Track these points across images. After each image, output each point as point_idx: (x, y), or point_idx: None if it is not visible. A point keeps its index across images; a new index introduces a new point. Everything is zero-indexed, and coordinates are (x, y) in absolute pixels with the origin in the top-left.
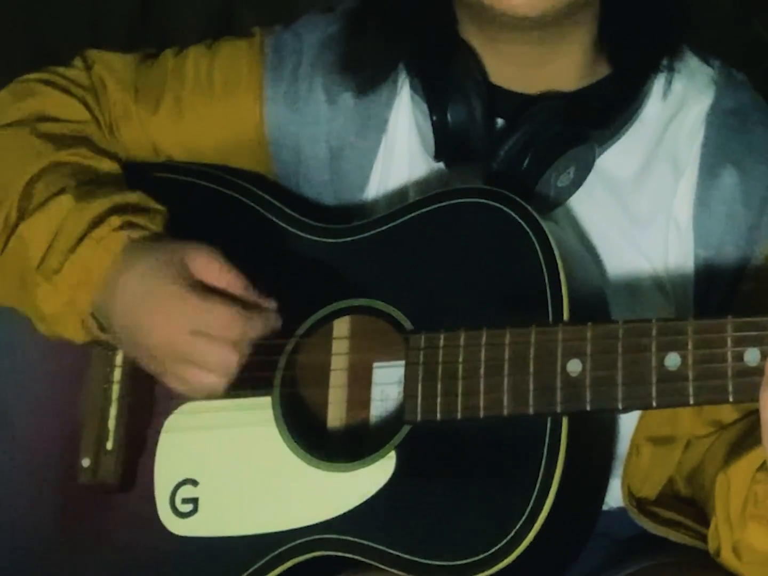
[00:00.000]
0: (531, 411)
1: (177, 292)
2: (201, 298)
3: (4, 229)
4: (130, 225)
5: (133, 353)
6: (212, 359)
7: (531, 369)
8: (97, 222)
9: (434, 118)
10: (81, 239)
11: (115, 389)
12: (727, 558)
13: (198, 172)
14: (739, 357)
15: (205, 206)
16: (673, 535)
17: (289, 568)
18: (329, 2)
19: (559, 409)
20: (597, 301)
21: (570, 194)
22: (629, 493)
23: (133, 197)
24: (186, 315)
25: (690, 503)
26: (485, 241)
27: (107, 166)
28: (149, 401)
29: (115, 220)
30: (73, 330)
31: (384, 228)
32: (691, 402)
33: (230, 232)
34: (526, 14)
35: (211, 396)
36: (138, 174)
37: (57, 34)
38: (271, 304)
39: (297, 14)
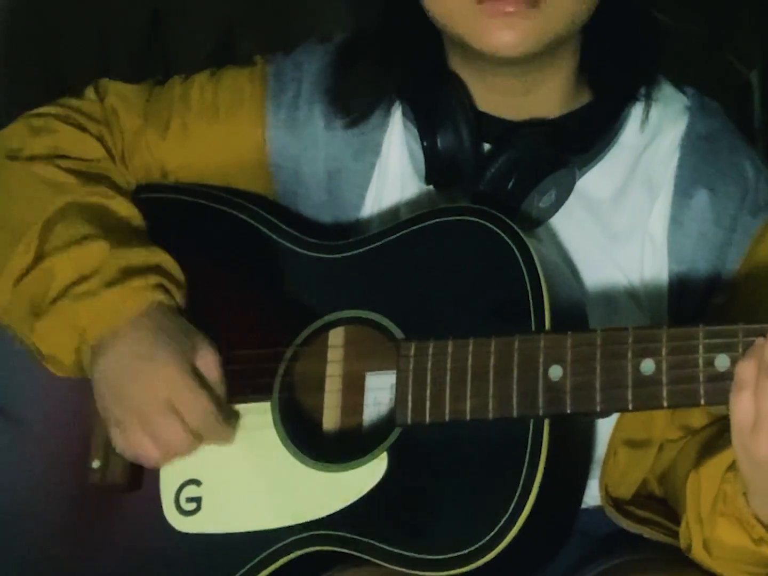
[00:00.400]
0: (515, 414)
1: (178, 368)
2: (197, 384)
3: (20, 263)
4: (164, 289)
5: (103, 396)
6: (169, 437)
7: (515, 375)
8: (133, 273)
9: (425, 143)
10: (114, 284)
11: None
12: (698, 553)
13: (203, 193)
14: (710, 363)
15: (209, 225)
16: (647, 533)
17: (287, 563)
18: (324, 31)
19: (541, 413)
20: (576, 311)
21: (552, 214)
22: (606, 493)
23: (165, 260)
24: (177, 390)
25: (663, 502)
26: (472, 256)
27: (125, 209)
28: None
29: (153, 279)
30: (66, 354)
31: (377, 244)
32: (665, 405)
33: (233, 248)
34: (509, 55)
35: (137, 461)
36: (147, 194)
37: (67, 60)
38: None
39: (293, 43)
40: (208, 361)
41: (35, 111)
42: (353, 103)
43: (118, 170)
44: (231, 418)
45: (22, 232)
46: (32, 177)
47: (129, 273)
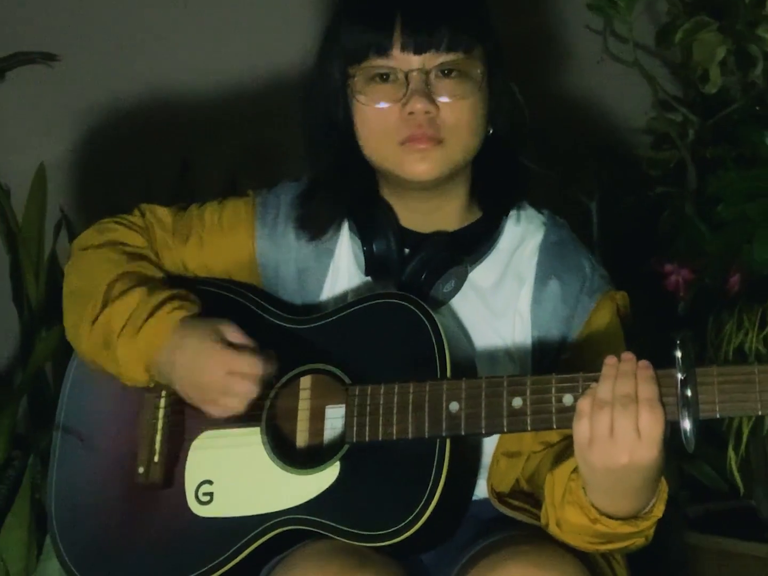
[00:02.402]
0: (426, 435)
1: (218, 348)
2: (233, 350)
3: (93, 311)
4: (181, 308)
5: (186, 388)
6: (240, 390)
7: (426, 408)
8: (160, 306)
9: (365, 248)
10: (150, 316)
11: (160, 422)
12: (553, 529)
13: (214, 283)
14: (559, 400)
15: (217, 305)
16: (519, 516)
17: (272, 537)
18: (297, 174)
19: (444, 434)
20: (468, 364)
21: (452, 297)
22: (491, 489)
23: (179, 291)
24: (224, 361)
25: (530, 495)
26: (397, 327)
27: (157, 274)
28: (182, 429)
29: (171, 304)
30: (139, 373)
31: (332, 318)
32: (529, 429)
33: (234, 320)
34: (424, 179)
35: (232, 416)
36: (177, 283)
37: (121, 193)
38: (271, 353)
39: (275, 181)
40: (232, 332)
41: (101, 221)
42: (313, 224)
43: (154, 257)
44: (269, 357)
45: (93, 293)
46: (99, 257)
47: (158, 306)
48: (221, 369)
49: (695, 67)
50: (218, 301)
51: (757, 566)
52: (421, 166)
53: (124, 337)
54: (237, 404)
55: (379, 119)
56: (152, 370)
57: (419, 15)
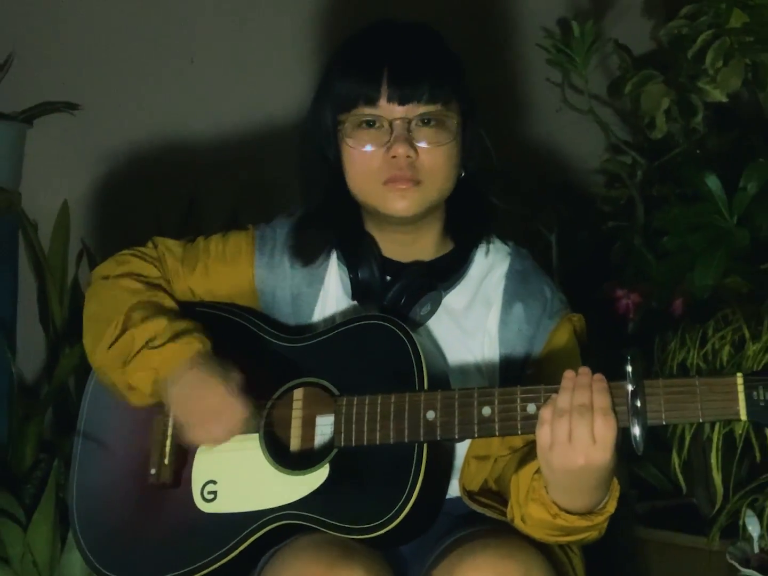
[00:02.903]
0: (406, 440)
1: (221, 387)
2: (233, 397)
3: (112, 335)
4: (200, 342)
5: (180, 408)
6: (217, 433)
7: (406, 416)
8: (182, 334)
9: (351, 276)
10: (171, 340)
11: (170, 429)
12: (518, 524)
13: (218, 307)
14: (524, 409)
15: (222, 325)
16: (488, 513)
17: (269, 530)
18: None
19: (422, 439)
20: (443, 378)
21: (428, 319)
22: (463, 488)
23: (198, 327)
24: (222, 402)
25: (497, 494)
26: (380, 344)
27: (170, 303)
28: None
29: (194, 337)
30: (146, 386)
31: (323, 337)
32: (497, 435)
33: (236, 339)
34: (403, 216)
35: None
36: (187, 307)
37: (135, 227)
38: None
39: (272, 216)
40: (237, 379)
41: (118, 253)
42: (305, 253)
43: (167, 285)
44: (254, 413)
45: (112, 318)
46: (118, 287)
47: (180, 334)
48: (214, 404)
49: (643, 115)
50: (222, 322)
51: (696, 557)
52: (400, 204)
53: (143, 352)
54: (221, 433)
55: (365, 161)
56: (158, 386)
57: (404, 71)
